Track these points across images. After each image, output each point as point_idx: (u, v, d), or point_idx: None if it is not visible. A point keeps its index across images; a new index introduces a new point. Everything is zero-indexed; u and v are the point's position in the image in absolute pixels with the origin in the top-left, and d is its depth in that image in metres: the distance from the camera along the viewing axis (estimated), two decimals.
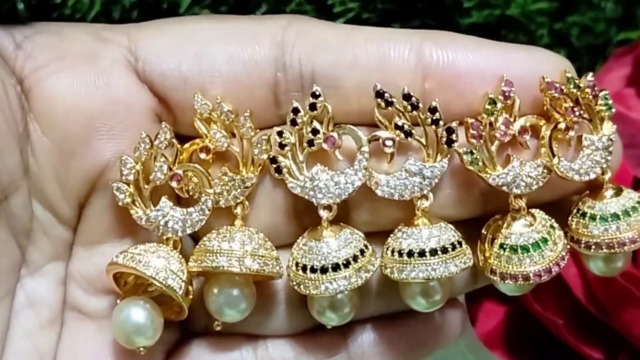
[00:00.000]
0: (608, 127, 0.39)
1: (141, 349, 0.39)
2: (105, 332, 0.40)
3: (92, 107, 0.38)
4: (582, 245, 0.39)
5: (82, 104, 0.38)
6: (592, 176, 0.39)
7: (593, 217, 0.39)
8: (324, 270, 0.38)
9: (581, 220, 0.40)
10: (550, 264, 0.39)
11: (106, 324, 0.40)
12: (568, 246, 0.40)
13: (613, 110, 0.40)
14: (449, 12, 0.54)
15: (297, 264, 0.38)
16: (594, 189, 0.40)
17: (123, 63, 0.39)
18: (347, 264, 0.38)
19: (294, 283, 0.39)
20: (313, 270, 0.38)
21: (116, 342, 0.40)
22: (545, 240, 0.39)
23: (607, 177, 0.40)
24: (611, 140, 0.39)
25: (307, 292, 0.38)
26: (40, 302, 0.40)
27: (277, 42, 0.38)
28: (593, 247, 0.39)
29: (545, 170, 0.39)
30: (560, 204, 0.41)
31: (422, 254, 0.38)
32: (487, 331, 0.52)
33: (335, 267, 0.38)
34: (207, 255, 0.38)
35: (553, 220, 0.39)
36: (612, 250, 0.39)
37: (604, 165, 0.39)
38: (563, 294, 0.49)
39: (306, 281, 0.38)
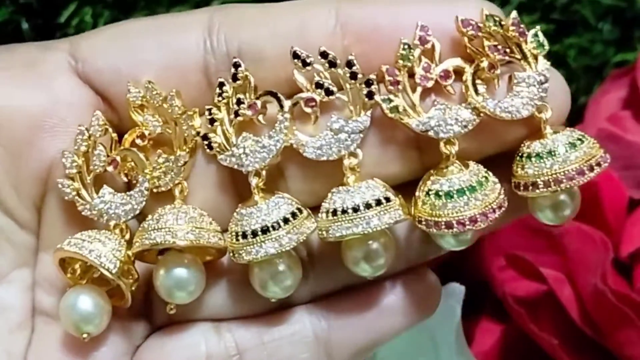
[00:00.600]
0: (542, 64, 0.37)
1: (84, 335, 0.39)
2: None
3: (34, 108, 0.39)
4: (521, 187, 0.37)
5: (24, 106, 0.39)
6: (525, 113, 0.37)
7: (529, 156, 0.37)
8: (254, 234, 0.37)
9: (519, 162, 0.37)
10: (476, 213, 0.36)
11: None
12: (505, 202, 0.37)
13: (546, 47, 0.37)
14: None
15: (232, 235, 0.38)
16: (534, 134, 0.37)
17: (64, 66, 0.39)
18: (277, 227, 0.37)
19: (232, 254, 0.38)
20: (244, 236, 0.37)
21: (84, 342, 0.39)
22: (472, 189, 0.36)
23: (544, 116, 0.37)
24: (544, 75, 0.37)
25: (241, 259, 0.38)
26: (9, 309, 0.40)
27: (205, 27, 0.39)
28: (530, 187, 0.36)
29: (474, 113, 0.37)
30: (507, 163, 0.38)
31: (355, 209, 0.37)
32: (484, 350, 0.52)
33: (265, 230, 0.37)
34: (142, 234, 0.38)
35: (490, 173, 0.37)
36: (549, 189, 0.36)
37: (538, 102, 0.37)
38: (558, 314, 0.49)
39: (239, 248, 0.38)
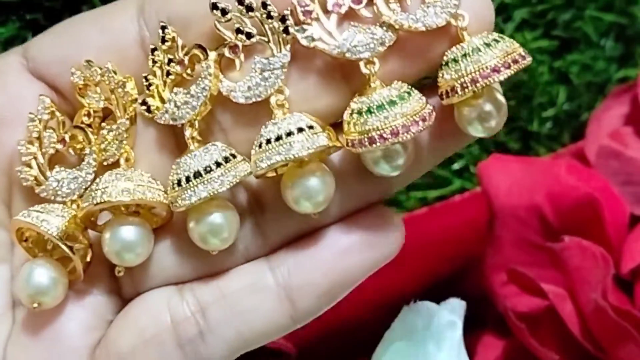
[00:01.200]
0: None
1: (35, 305, 0.39)
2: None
3: None
4: (450, 93, 0.36)
5: None
6: (439, 21, 0.36)
7: (455, 60, 0.36)
8: (187, 179, 0.38)
9: (445, 68, 0.36)
10: (398, 125, 0.35)
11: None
12: (431, 114, 0.36)
13: None
14: None
15: (170, 186, 0.39)
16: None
17: (16, 66, 0.41)
18: (209, 170, 0.38)
19: (171, 205, 0.39)
20: (179, 183, 0.38)
21: (54, 322, 0.40)
22: (393, 103, 0.36)
23: (461, 23, 0.36)
24: None
25: (178, 207, 0.38)
26: None
27: (138, 6, 0.40)
28: (459, 88, 0.36)
29: (389, 30, 0.36)
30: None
31: (289, 134, 0.37)
32: None
33: (197, 174, 0.38)
34: (87, 196, 0.39)
35: (414, 89, 0.36)
36: (477, 84, 0.35)
37: (452, 10, 0.36)
38: (559, 329, 0.49)
39: (176, 197, 0.38)
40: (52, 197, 0.40)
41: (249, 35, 0.38)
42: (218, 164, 0.38)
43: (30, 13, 0.53)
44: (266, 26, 0.38)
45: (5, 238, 0.41)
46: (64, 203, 0.40)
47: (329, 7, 0.37)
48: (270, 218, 0.40)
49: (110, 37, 0.40)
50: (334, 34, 0.37)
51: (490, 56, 0.35)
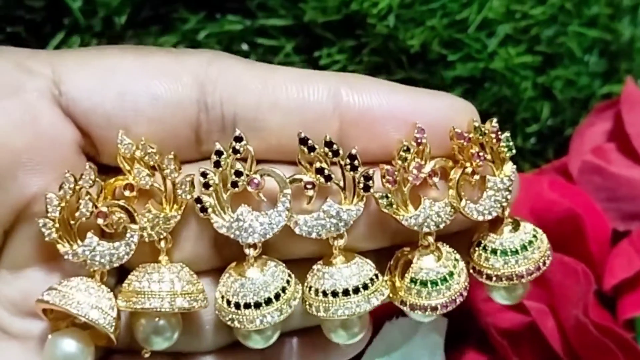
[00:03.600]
0: (509, 168, 0.42)
1: None
2: (29, 351, 0.41)
3: (18, 143, 0.39)
4: (484, 276, 0.42)
5: (7, 140, 0.39)
6: (494, 215, 0.41)
7: (494, 252, 0.42)
8: (257, 305, 0.40)
9: (483, 254, 0.42)
10: (455, 295, 0.41)
11: (31, 344, 0.41)
12: (468, 277, 0.42)
13: (513, 151, 0.42)
14: (434, 65, 0.54)
15: (228, 302, 0.40)
16: (493, 222, 0.42)
17: (48, 96, 0.39)
18: (277, 297, 0.40)
19: (227, 318, 0.40)
20: (247, 306, 0.40)
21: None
22: (451, 274, 0.41)
23: (506, 213, 0.42)
24: (511, 180, 0.41)
25: (243, 327, 0.40)
26: None
27: (200, 81, 0.39)
28: (494, 278, 0.42)
29: (452, 210, 0.41)
30: (462, 234, 0.43)
31: (346, 292, 0.40)
32: None
33: (268, 301, 0.40)
34: (138, 296, 0.39)
35: (456, 253, 0.42)
36: (512, 282, 0.42)
37: (505, 204, 0.42)
38: (541, 346, 0.49)
39: (240, 317, 0.40)
40: (78, 262, 0.40)
41: (327, 179, 0.40)
42: (284, 290, 0.40)
43: (11, 26, 0.52)
44: (347, 175, 0.40)
45: None
46: (88, 272, 0.40)
47: (410, 178, 0.40)
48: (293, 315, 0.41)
49: (162, 110, 0.39)
50: (408, 204, 0.41)
51: (528, 260, 0.42)
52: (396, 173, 0.40)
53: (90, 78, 0.39)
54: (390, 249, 0.42)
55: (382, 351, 0.49)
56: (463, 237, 0.42)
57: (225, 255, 0.41)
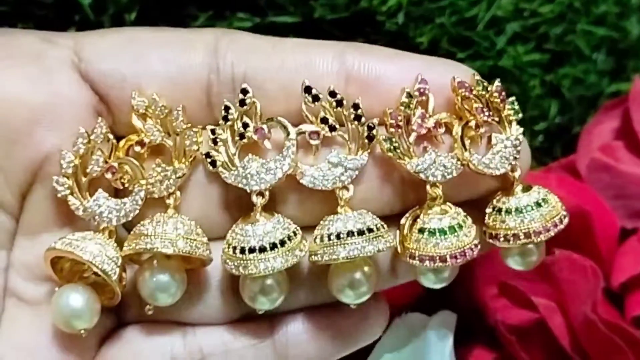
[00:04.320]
0: (515, 129, 0.42)
1: (82, 331, 0.40)
2: (43, 318, 0.41)
3: (35, 101, 0.40)
4: (501, 238, 0.41)
5: (25, 98, 0.40)
6: (502, 170, 0.41)
7: (508, 211, 0.41)
8: (262, 249, 0.40)
9: (497, 216, 0.42)
10: (465, 248, 0.41)
11: (44, 310, 0.41)
12: (479, 243, 0.41)
13: (520, 115, 0.42)
14: None
15: (234, 248, 0.40)
16: (505, 188, 0.42)
17: (67, 62, 0.40)
18: (282, 243, 0.40)
19: (232, 266, 0.40)
20: (251, 250, 0.40)
21: (53, 327, 0.41)
22: (460, 226, 0.41)
23: (516, 174, 0.42)
24: (518, 139, 0.42)
25: (246, 272, 0.40)
26: None
27: (211, 49, 0.41)
28: (511, 238, 0.41)
29: (458, 162, 0.41)
30: (478, 207, 0.43)
31: (350, 234, 0.40)
32: None
33: (273, 246, 0.40)
34: (141, 238, 0.40)
35: (465, 214, 0.42)
36: (529, 239, 0.41)
37: (513, 162, 0.41)
38: (549, 342, 0.49)
39: (245, 262, 0.40)
40: (87, 219, 0.41)
41: (332, 128, 0.41)
42: (289, 238, 0.40)
43: (22, 22, 0.52)
44: (351, 125, 0.41)
45: (9, 225, 0.41)
46: (97, 228, 0.41)
47: (414, 127, 0.41)
48: (295, 290, 0.42)
49: (176, 72, 0.40)
50: (412, 151, 0.41)
51: (541, 216, 0.41)
52: (399, 118, 0.40)
53: (107, 45, 0.41)
54: (401, 216, 0.42)
55: (391, 347, 0.49)
56: (475, 208, 0.42)
57: (236, 217, 0.41)
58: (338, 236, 0.40)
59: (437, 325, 0.49)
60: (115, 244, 0.41)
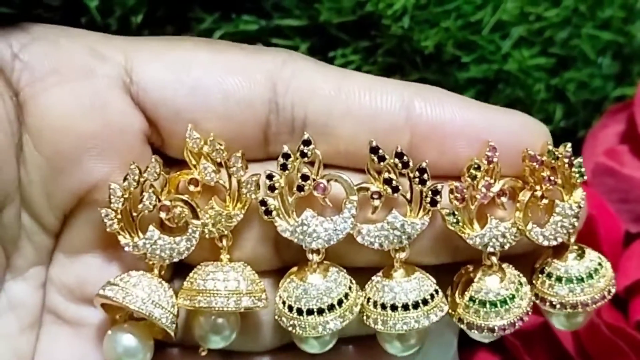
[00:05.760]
0: (578, 194, 0.41)
1: None
2: (82, 338, 0.41)
3: (86, 128, 0.39)
4: (547, 304, 0.41)
5: (75, 124, 0.39)
6: (560, 241, 0.41)
7: (559, 279, 0.41)
8: (320, 312, 0.39)
9: (547, 281, 0.41)
10: (515, 319, 0.41)
11: (83, 330, 0.41)
12: (532, 301, 0.41)
13: (585, 177, 0.41)
14: (448, 66, 0.55)
15: (290, 307, 0.40)
16: (557, 248, 0.42)
17: (118, 84, 0.39)
18: (340, 303, 0.39)
19: (288, 324, 0.40)
20: (309, 312, 0.39)
21: (93, 349, 0.41)
22: (512, 297, 0.40)
23: (572, 239, 0.42)
24: (580, 207, 0.41)
25: (304, 333, 0.39)
26: (21, 306, 0.40)
27: (272, 82, 0.39)
28: (558, 306, 0.41)
29: (518, 232, 0.40)
30: (524, 256, 0.42)
31: (405, 307, 0.40)
32: None
33: (331, 308, 0.39)
34: (202, 294, 0.39)
35: (522, 276, 0.41)
36: (575, 310, 0.41)
37: (571, 231, 0.41)
38: (553, 346, 0.50)
39: (302, 323, 0.39)
40: (138, 255, 0.40)
41: (395, 190, 0.40)
42: (346, 296, 0.40)
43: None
44: (415, 188, 0.39)
45: (49, 243, 0.40)
46: (147, 264, 0.40)
47: (479, 196, 0.40)
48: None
49: (233, 108, 0.39)
50: (474, 223, 0.40)
51: (594, 288, 0.41)
52: (465, 190, 0.39)
53: (162, 69, 0.39)
54: (451, 265, 0.42)
55: None
56: (525, 259, 0.42)
57: (285, 257, 0.41)
58: (393, 307, 0.40)
59: (441, 328, 0.49)
60: (169, 286, 0.40)
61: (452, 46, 0.54)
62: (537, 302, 0.42)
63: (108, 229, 0.39)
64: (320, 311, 0.39)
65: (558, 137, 0.57)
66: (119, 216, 0.39)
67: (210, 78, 0.39)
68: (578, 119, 0.58)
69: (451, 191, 0.40)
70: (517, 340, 0.50)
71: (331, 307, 0.39)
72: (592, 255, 0.42)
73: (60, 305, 0.41)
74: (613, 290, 0.42)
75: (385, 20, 0.53)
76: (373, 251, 0.40)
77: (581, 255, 0.42)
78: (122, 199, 0.39)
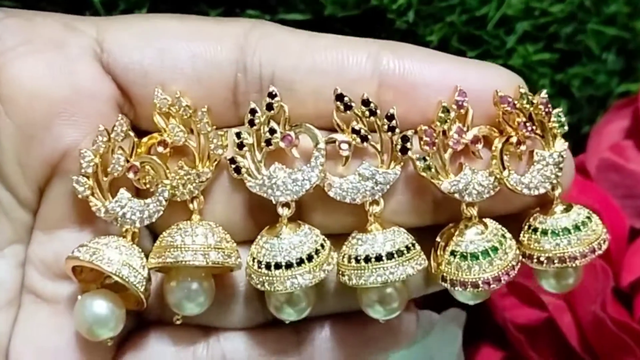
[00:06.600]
0: (560, 144, 0.39)
1: (108, 341, 0.39)
2: (60, 316, 0.40)
3: (56, 93, 0.39)
4: (535, 260, 0.39)
5: (45, 90, 0.38)
6: (542, 191, 0.39)
7: (544, 232, 0.39)
8: (288, 265, 0.38)
9: (533, 236, 0.40)
10: (500, 273, 0.39)
11: (61, 308, 0.40)
12: (520, 257, 0.40)
13: (566, 128, 0.40)
14: None
15: (259, 262, 0.39)
16: (544, 205, 0.40)
17: (89, 52, 0.39)
18: (309, 258, 0.38)
19: (256, 282, 0.39)
20: (277, 266, 0.38)
21: (71, 328, 0.40)
22: (495, 249, 0.39)
23: (557, 192, 0.40)
24: (562, 156, 0.39)
25: (272, 289, 0.38)
26: (0, 284, 0.40)
27: (240, 44, 0.39)
28: (545, 261, 0.39)
29: (496, 181, 0.39)
30: (513, 218, 0.41)
31: (378, 258, 0.38)
32: None
33: (300, 262, 0.38)
34: (170, 250, 0.39)
35: (505, 230, 0.40)
36: (564, 264, 0.39)
37: (554, 181, 0.39)
38: (558, 341, 0.50)
39: (270, 278, 0.38)
40: (109, 220, 0.40)
41: (364, 139, 0.39)
42: (317, 252, 0.38)
43: None
44: (383, 136, 0.38)
45: (27, 219, 0.40)
46: (120, 230, 0.40)
47: (451, 143, 0.38)
48: (322, 297, 0.41)
49: (203, 69, 0.39)
50: (448, 169, 0.39)
51: (581, 240, 0.39)
52: (434, 134, 0.38)
53: (132, 37, 0.39)
54: (435, 229, 0.40)
55: None
56: (513, 222, 0.40)
57: (259, 223, 0.40)
58: (367, 259, 0.38)
59: (446, 324, 0.49)
60: (140, 250, 0.39)
61: (456, 41, 0.54)
62: (525, 260, 0.40)
63: (79, 195, 0.39)
64: (289, 265, 0.38)
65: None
66: (90, 182, 0.39)
67: (179, 41, 0.39)
68: (583, 115, 0.58)
69: (420, 136, 0.38)
70: (521, 336, 0.49)
71: (300, 262, 0.38)
72: (580, 209, 0.40)
73: (38, 283, 0.40)
74: (604, 246, 0.40)
75: (390, 14, 0.53)
76: (347, 211, 0.39)
77: (568, 209, 0.40)
78: (92, 164, 0.39)
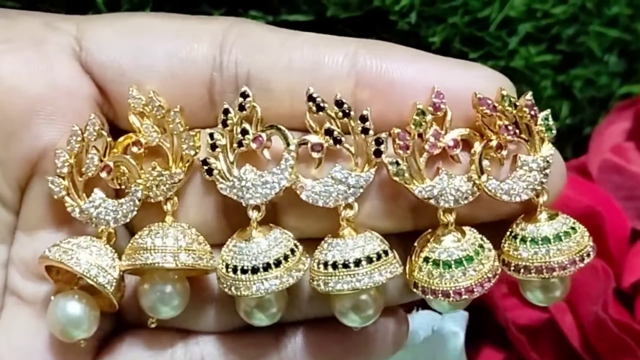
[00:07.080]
0: (547, 149, 0.38)
1: (81, 342, 0.39)
2: (40, 320, 0.40)
3: (33, 91, 0.38)
4: (512, 268, 0.38)
5: (23, 87, 0.38)
6: (524, 197, 0.38)
7: (524, 240, 0.38)
8: (254, 270, 0.37)
9: (512, 243, 0.38)
10: (473, 284, 0.37)
11: (41, 310, 0.40)
12: (499, 269, 0.38)
13: (554, 132, 0.38)
14: None
15: (227, 266, 0.38)
16: (529, 211, 0.39)
17: (68, 51, 0.39)
18: (278, 263, 0.38)
19: (224, 285, 0.38)
20: (244, 271, 0.38)
21: (46, 328, 0.40)
22: (470, 259, 0.37)
23: (541, 200, 0.38)
24: (547, 162, 0.38)
25: (238, 293, 0.38)
26: None
27: (217, 42, 0.38)
28: (522, 270, 0.38)
29: (475, 187, 0.38)
30: (501, 226, 0.39)
31: (345, 265, 0.37)
32: None
33: (267, 267, 0.37)
34: (140, 252, 0.38)
35: (485, 240, 0.38)
36: (541, 275, 0.38)
37: (538, 187, 0.38)
38: (560, 342, 0.50)
39: (237, 282, 0.38)
40: (84, 221, 0.39)
41: (337, 141, 0.38)
42: (286, 257, 0.38)
43: None
44: (357, 138, 0.37)
45: (9, 220, 0.40)
46: (95, 231, 0.39)
47: (426, 147, 0.37)
48: (297, 302, 0.40)
49: (178, 67, 0.38)
50: (423, 174, 0.37)
51: (568, 248, 0.38)
52: (408, 138, 0.37)
53: (111, 35, 0.39)
54: (417, 235, 0.39)
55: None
56: (502, 230, 0.39)
57: (234, 225, 0.39)
58: (335, 266, 0.37)
59: (448, 323, 0.49)
60: (113, 251, 0.39)
61: (459, 42, 0.54)
62: (504, 267, 0.38)
63: (55, 196, 0.39)
64: (255, 270, 0.37)
65: (564, 134, 0.58)
66: (65, 182, 0.39)
67: (156, 39, 0.39)
68: (584, 116, 0.58)
69: (393, 138, 0.37)
70: (523, 336, 0.49)
71: (267, 267, 0.37)
72: (565, 219, 0.38)
73: (18, 284, 0.40)
74: (587, 259, 0.38)
75: (392, 16, 0.53)
76: (322, 215, 0.38)
77: (552, 217, 0.38)
78: (67, 164, 0.39)
